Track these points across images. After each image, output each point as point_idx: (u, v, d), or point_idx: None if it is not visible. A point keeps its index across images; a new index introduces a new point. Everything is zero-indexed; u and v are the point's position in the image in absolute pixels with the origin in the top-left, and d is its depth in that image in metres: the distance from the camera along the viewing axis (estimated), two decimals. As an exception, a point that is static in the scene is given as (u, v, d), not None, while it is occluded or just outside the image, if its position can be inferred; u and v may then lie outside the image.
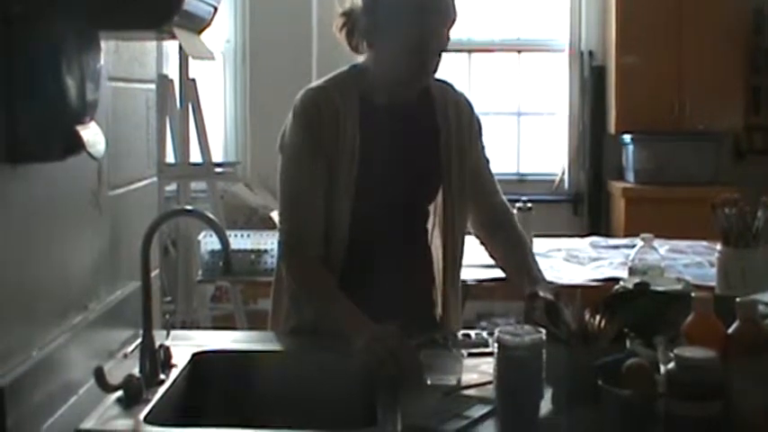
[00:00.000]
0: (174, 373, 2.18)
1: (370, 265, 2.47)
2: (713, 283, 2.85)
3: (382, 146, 2.46)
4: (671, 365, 1.73)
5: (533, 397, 1.92)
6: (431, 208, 2.58)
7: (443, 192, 2.56)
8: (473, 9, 6.87)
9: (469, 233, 2.69)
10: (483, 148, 2.69)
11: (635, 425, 1.76)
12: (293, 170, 2.47)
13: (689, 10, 6.31)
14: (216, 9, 2.16)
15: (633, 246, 3.36)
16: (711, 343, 1.77)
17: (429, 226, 2.60)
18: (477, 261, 4.13)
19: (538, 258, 3.98)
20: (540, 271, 2.56)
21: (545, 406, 1.94)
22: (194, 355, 2.31)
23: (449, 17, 2.43)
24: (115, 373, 2.02)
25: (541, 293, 2.28)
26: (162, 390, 2.07)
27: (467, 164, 2.59)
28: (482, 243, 2.75)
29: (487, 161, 2.70)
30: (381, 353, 2.13)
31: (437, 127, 2.56)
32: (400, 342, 2.16)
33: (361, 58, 2.53)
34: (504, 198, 2.73)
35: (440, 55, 2.42)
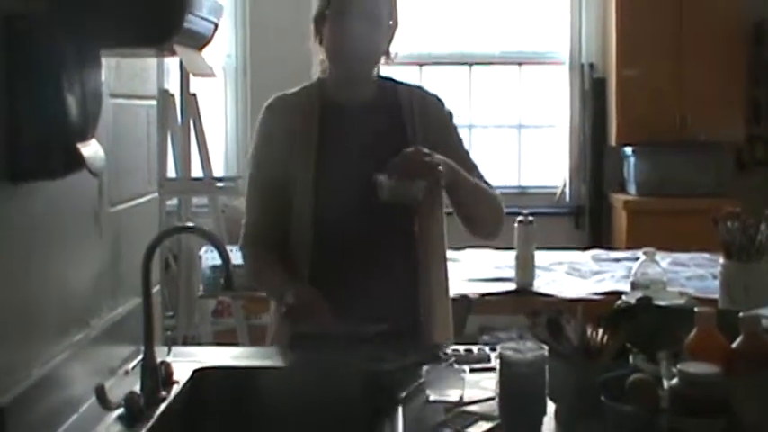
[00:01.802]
0: (175, 389, 2.18)
1: (337, 266, 2.53)
2: (716, 296, 2.85)
3: (342, 145, 2.55)
4: (674, 381, 1.73)
5: (536, 413, 1.92)
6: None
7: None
8: (474, 23, 6.91)
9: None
10: (459, 140, 2.69)
11: None
12: (251, 170, 2.65)
13: (689, 22, 6.33)
14: (216, 26, 2.16)
15: (635, 258, 3.36)
16: (715, 358, 1.76)
17: (416, 227, 2.61)
18: (479, 275, 4.16)
19: (540, 272, 4.03)
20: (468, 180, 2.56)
21: (548, 422, 1.94)
22: (195, 371, 2.31)
23: (377, 24, 2.51)
24: (116, 391, 2.03)
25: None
26: (163, 407, 2.07)
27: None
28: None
29: (466, 153, 2.69)
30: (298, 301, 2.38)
31: (403, 125, 2.59)
32: (315, 296, 2.39)
33: None
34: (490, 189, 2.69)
35: (374, 61, 2.56)
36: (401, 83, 2.71)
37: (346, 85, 2.61)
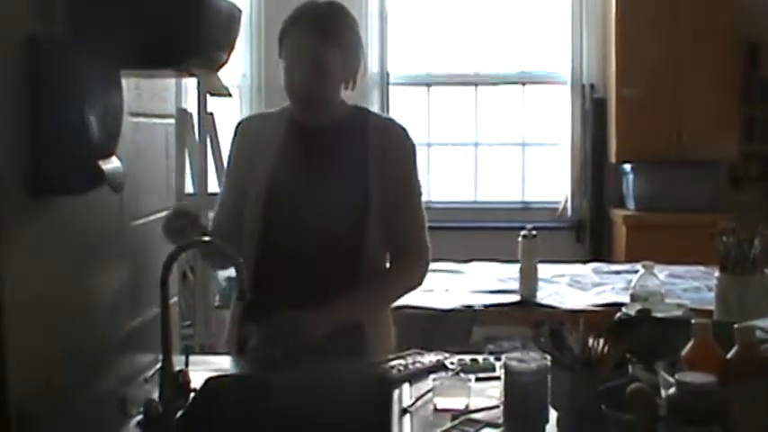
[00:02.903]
0: (192, 397, 2.21)
1: (279, 278, 2.59)
2: (711, 307, 2.86)
3: (298, 163, 2.63)
4: (672, 390, 1.74)
5: (539, 421, 1.96)
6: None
7: (364, 213, 2.61)
8: (479, 45, 6.99)
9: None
10: (411, 174, 2.72)
11: None
12: (225, 175, 2.81)
13: (686, 45, 6.37)
14: (232, 47, 2.22)
15: (634, 271, 3.39)
16: (711, 368, 1.77)
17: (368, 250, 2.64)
18: (483, 287, 4.21)
19: (543, 284, 4.07)
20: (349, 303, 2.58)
21: (550, 429, 1.97)
22: (208, 379, 2.34)
23: (323, 73, 2.59)
24: (135, 398, 2.06)
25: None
26: (180, 414, 2.10)
27: (388, 187, 2.64)
28: None
29: (411, 188, 2.72)
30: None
31: (365, 148, 2.64)
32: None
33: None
34: (423, 242, 2.72)
35: (322, 100, 2.63)
36: (373, 113, 2.80)
37: (305, 116, 2.70)
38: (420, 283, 2.75)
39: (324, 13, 2.62)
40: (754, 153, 6.76)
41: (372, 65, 6.92)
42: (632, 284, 3.20)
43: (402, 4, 7.03)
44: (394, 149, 2.67)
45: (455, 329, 3.71)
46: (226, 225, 2.69)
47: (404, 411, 2.14)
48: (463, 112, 7.13)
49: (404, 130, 2.73)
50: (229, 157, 2.79)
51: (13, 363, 1.63)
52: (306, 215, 2.57)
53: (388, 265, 2.72)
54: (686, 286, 4.25)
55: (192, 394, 2.23)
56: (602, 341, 2.06)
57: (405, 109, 7.00)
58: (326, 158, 2.64)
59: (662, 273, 3.91)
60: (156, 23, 1.86)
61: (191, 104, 4.99)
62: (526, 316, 3.66)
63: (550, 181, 7.13)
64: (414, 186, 2.73)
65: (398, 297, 2.77)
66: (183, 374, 2.20)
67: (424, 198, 2.80)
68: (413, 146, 2.73)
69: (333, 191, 2.59)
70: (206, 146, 4.92)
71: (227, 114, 6.34)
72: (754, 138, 6.73)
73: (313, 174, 2.62)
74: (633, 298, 3.10)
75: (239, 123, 2.80)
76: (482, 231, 6.48)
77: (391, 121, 2.76)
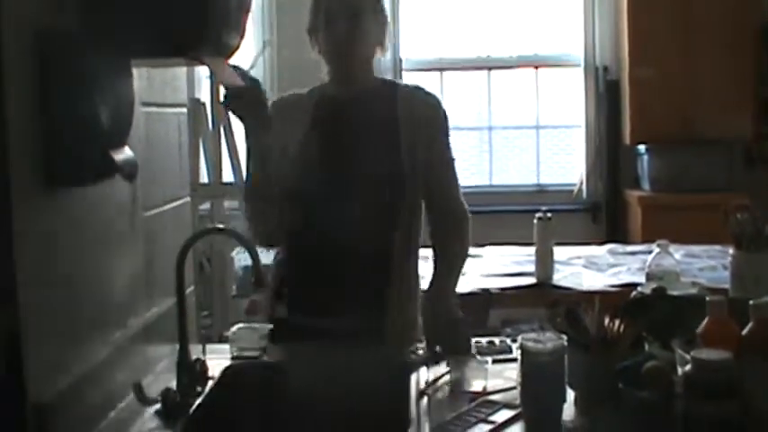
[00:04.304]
0: (210, 385, 2.23)
1: (315, 258, 2.64)
2: (727, 285, 2.86)
3: (331, 134, 2.66)
4: (688, 367, 1.76)
5: (556, 401, 1.96)
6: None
7: (397, 183, 2.64)
8: (492, 29, 6.96)
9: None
10: (445, 144, 2.75)
11: (654, 425, 1.79)
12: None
13: (699, 24, 6.33)
14: (242, 35, 2.22)
15: (650, 252, 3.38)
16: (726, 344, 1.79)
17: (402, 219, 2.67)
18: (500, 270, 4.21)
19: (559, 266, 4.07)
20: (445, 289, 2.63)
21: (568, 409, 1.98)
22: (227, 368, 2.36)
23: (359, 21, 2.62)
24: (153, 387, 2.08)
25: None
26: (197, 402, 2.13)
27: (419, 158, 2.65)
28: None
29: (446, 158, 2.76)
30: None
31: (395, 120, 2.67)
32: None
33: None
34: (459, 204, 2.76)
35: (363, 54, 2.67)
36: (402, 84, 2.84)
37: (343, 82, 2.71)
38: (469, 233, 2.78)
39: None
40: (768, 133, 6.73)
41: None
42: (648, 264, 3.20)
43: (413, -11, 7.02)
44: (423, 116, 2.70)
45: (472, 313, 3.72)
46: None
47: (421, 394, 2.15)
48: (477, 97, 7.11)
49: (433, 97, 2.76)
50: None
51: (30, 354, 1.64)
52: (338, 187, 2.61)
53: (431, 234, 2.75)
54: (702, 265, 4.24)
55: (210, 382, 2.24)
56: (617, 321, 2.07)
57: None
58: (357, 130, 2.67)
59: (677, 252, 3.90)
60: (164, 12, 1.85)
61: (204, 94, 5.01)
62: (543, 298, 3.65)
63: (565, 163, 7.13)
64: (445, 152, 2.75)
65: (465, 257, 2.79)
66: (201, 363, 2.22)
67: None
68: (444, 113, 2.76)
69: (364, 162, 2.63)
70: (219, 135, 4.94)
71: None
72: (768, 118, 6.70)
73: (345, 146, 2.66)
74: (648, 277, 3.10)
75: (273, 103, 2.75)
76: (497, 215, 6.46)
77: (420, 89, 2.79)
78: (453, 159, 2.77)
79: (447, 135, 2.75)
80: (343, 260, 2.60)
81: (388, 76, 6.94)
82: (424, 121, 2.69)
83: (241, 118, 2.45)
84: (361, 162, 2.62)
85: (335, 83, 2.72)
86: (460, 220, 2.75)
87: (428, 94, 2.76)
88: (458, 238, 2.74)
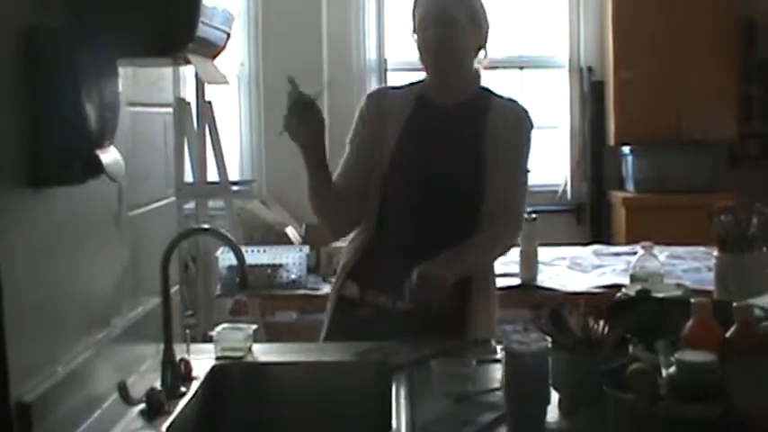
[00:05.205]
0: (195, 385, 2.22)
1: (395, 246, 2.69)
2: (711, 287, 2.87)
3: (422, 137, 2.73)
4: (672, 369, 1.75)
5: (540, 402, 1.96)
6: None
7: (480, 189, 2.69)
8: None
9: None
10: (520, 158, 2.80)
11: (638, 427, 1.78)
12: (347, 150, 2.85)
13: (683, 24, 6.38)
14: (228, 35, 2.22)
15: (634, 252, 3.39)
16: (711, 346, 1.79)
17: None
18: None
19: (543, 267, 4.08)
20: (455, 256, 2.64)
21: (552, 411, 1.98)
22: (213, 367, 2.35)
23: (454, 26, 2.68)
24: (137, 387, 2.07)
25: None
26: (183, 402, 2.12)
27: (500, 163, 2.71)
28: None
29: (524, 169, 2.81)
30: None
31: (483, 132, 2.72)
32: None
33: None
34: (516, 204, 2.82)
35: (457, 58, 2.73)
36: (496, 95, 2.85)
37: (439, 86, 2.78)
38: (513, 245, 2.89)
39: None
40: (753, 133, 6.78)
41: (370, 51, 6.92)
42: (632, 265, 3.20)
43: (399, -11, 7.02)
44: (509, 127, 2.76)
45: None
46: (341, 187, 2.75)
47: (406, 396, 2.15)
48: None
49: (523, 111, 2.82)
50: (356, 125, 2.84)
51: (13, 353, 1.63)
52: (424, 187, 2.69)
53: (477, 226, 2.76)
54: (686, 267, 4.27)
55: (195, 382, 2.24)
56: (602, 322, 2.07)
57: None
58: (446, 135, 2.74)
59: (662, 254, 3.92)
60: (152, 11, 1.85)
61: (189, 94, 5.01)
62: (527, 299, 3.66)
63: (550, 164, 7.13)
64: (520, 163, 2.81)
65: (496, 254, 2.83)
66: (185, 363, 2.22)
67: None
68: (529, 127, 2.81)
69: (450, 165, 2.69)
70: (204, 134, 4.94)
71: (226, 103, 6.37)
72: (753, 117, 6.74)
73: (433, 148, 2.72)
74: (633, 279, 3.10)
75: (370, 95, 2.89)
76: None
77: (513, 102, 2.85)
78: (528, 171, 2.84)
79: (528, 148, 2.82)
80: (422, 253, 2.60)
81: (374, 77, 6.99)
82: (510, 131, 2.76)
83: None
84: (448, 164, 2.70)
85: (431, 86, 2.80)
86: (507, 234, 2.82)
87: (520, 107, 2.83)
88: (493, 243, 2.78)
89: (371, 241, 2.74)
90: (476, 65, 2.82)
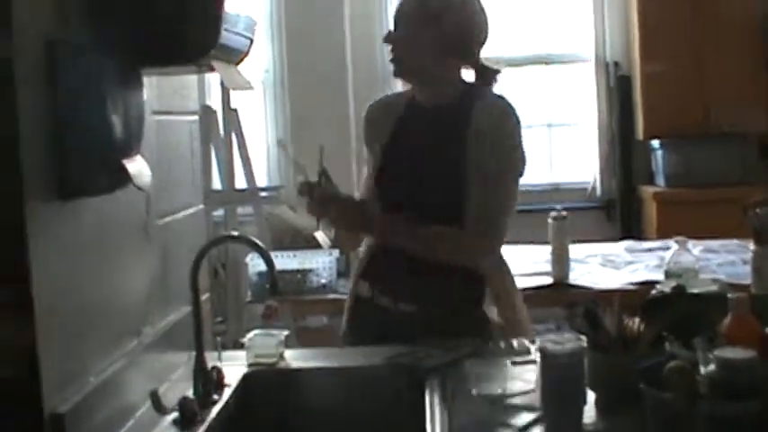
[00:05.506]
0: (227, 392, 2.22)
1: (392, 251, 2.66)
2: (748, 281, 2.84)
3: (409, 140, 2.73)
4: (711, 366, 1.73)
5: (577, 403, 1.94)
6: None
7: (460, 192, 2.63)
8: (503, 27, 6.91)
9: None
10: (506, 156, 2.68)
11: (677, 426, 1.76)
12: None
13: (709, 16, 6.31)
14: (252, 41, 2.21)
15: (667, 248, 3.37)
16: (750, 342, 1.77)
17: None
18: (516, 270, 4.18)
19: (575, 265, 4.05)
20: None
21: (588, 411, 1.96)
22: (245, 374, 2.35)
23: (409, 34, 2.66)
24: (170, 396, 2.07)
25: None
26: (215, 410, 2.12)
27: (481, 164, 2.63)
28: None
29: (507, 169, 2.68)
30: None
31: (464, 131, 2.65)
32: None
33: None
34: (494, 214, 2.67)
35: (414, 66, 2.69)
36: (483, 93, 2.77)
37: (419, 90, 2.78)
38: (486, 250, 2.72)
39: None
40: (783, 124, 6.69)
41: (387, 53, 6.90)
42: (666, 261, 3.18)
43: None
44: (493, 124, 2.67)
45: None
46: (366, 197, 2.79)
47: (440, 399, 2.13)
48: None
49: (508, 106, 2.72)
50: (364, 142, 2.90)
51: (46, 365, 1.64)
52: (410, 190, 2.67)
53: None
54: (721, 261, 4.20)
55: (228, 390, 2.24)
56: (637, 320, 2.05)
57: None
58: (431, 136, 2.71)
59: (696, 248, 3.88)
60: (176, 20, 1.86)
61: (215, 101, 5.03)
62: (560, 298, 3.64)
63: (578, 161, 7.10)
64: (506, 161, 2.68)
65: (459, 255, 2.67)
66: (217, 371, 2.22)
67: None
68: (514, 122, 2.71)
69: (433, 165, 2.66)
70: (231, 141, 4.96)
71: (252, 110, 6.38)
72: (782, 108, 6.65)
73: (420, 150, 2.70)
74: (667, 275, 3.08)
75: (368, 108, 2.92)
76: (512, 215, 6.46)
77: (498, 98, 2.77)
78: (516, 172, 2.72)
79: (513, 147, 2.70)
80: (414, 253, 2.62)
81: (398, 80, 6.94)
82: (492, 131, 2.66)
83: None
84: (431, 167, 2.67)
85: (414, 89, 2.80)
86: (479, 238, 2.67)
87: (504, 105, 2.73)
88: (456, 243, 2.66)
89: (377, 241, 2.74)
90: (491, 65, 2.77)
